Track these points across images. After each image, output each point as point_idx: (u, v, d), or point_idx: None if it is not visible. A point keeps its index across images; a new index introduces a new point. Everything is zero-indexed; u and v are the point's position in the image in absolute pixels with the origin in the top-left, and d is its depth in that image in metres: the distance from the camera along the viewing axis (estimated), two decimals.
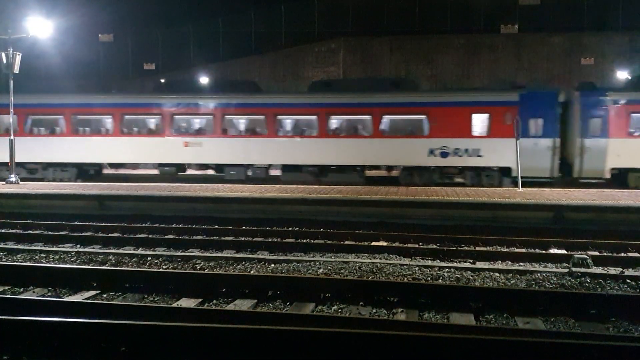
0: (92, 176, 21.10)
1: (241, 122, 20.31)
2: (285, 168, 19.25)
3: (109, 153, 20.29)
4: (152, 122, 20.65)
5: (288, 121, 19.73)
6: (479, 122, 18.32)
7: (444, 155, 18.22)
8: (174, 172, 20.07)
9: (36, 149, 20.24)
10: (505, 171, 17.85)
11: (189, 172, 22.46)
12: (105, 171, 22.78)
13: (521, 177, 15.73)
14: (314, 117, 19.22)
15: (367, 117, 18.94)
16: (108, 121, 20.40)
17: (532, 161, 17.19)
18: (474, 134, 18.14)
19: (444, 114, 18.42)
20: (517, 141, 15.54)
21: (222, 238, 10.73)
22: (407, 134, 18.79)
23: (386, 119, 18.89)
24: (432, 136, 18.30)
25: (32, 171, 20.45)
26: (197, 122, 20.39)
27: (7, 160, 19.79)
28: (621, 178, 17.72)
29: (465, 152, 18.10)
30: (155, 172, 21.93)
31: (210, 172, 21.52)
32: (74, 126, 20.46)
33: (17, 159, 19.17)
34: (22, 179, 19.24)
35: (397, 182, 18.67)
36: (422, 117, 18.58)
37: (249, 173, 19.49)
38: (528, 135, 17.36)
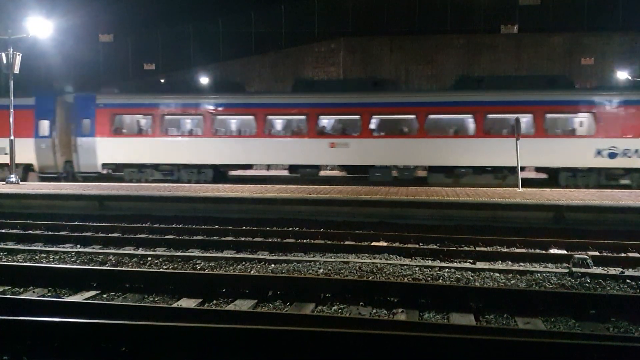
0: (220, 178, 20.55)
1: (389, 122, 19.75)
2: (433, 169, 18.64)
3: (251, 154, 19.80)
4: (295, 122, 20.21)
5: (439, 121, 19.07)
6: None
7: (612, 156, 17.69)
8: (315, 173, 19.58)
9: (172, 151, 19.94)
10: None
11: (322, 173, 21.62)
12: (232, 173, 22.22)
13: None
14: (469, 116, 18.58)
15: (529, 115, 18.22)
16: (250, 122, 19.96)
17: None
18: None
19: (613, 112, 17.87)
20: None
21: (222, 238, 10.73)
22: (569, 134, 18.22)
23: (549, 117, 18.33)
24: (599, 136, 17.74)
25: (167, 173, 20.05)
26: (344, 123, 19.88)
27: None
28: None
29: (635, 153, 17.60)
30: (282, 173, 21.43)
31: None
32: (214, 127, 19.99)
33: (152, 160, 19.39)
34: (155, 180, 19.34)
35: (554, 184, 17.92)
36: (588, 115, 18.05)
37: (395, 174, 18.96)
38: None
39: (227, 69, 35.51)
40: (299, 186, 16.77)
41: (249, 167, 22.02)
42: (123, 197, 14.21)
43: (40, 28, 18.12)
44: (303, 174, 19.51)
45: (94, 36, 35.08)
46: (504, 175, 18.19)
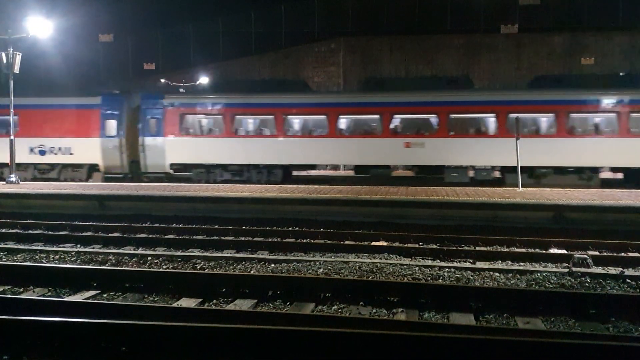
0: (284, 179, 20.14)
1: (467, 121, 19.38)
2: (506, 169, 18.04)
3: (322, 154, 19.52)
4: (367, 122, 19.83)
5: (519, 120, 18.99)
6: None
7: None
8: (387, 174, 19.33)
9: (241, 151, 19.67)
10: None
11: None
12: (295, 173, 21.81)
13: None
14: (551, 115, 18.19)
15: (613, 115, 17.82)
16: (322, 122, 19.68)
17: None
18: None
19: None
20: None
21: (222, 238, 10.73)
22: None
23: (633, 117, 17.84)
24: None
25: (235, 174, 19.77)
26: (420, 122, 19.36)
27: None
28: None
29: None
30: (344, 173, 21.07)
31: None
32: (285, 126, 19.70)
33: (220, 161, 19.16)
34: (224, 181, 19.02)
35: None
36: None
37: (471, 174, 18.59)
38: None
39: (227, 69, 35.54)
40: (298, 186, 16.77)
41: (312, 167, 21.54)
42: (123, 197, 14.21)
43: (40, 28, 18.12)
44: (375, 174, 19.15)
45: (94, 36, 35.08)
46: (588, 176, 17.77)
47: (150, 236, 11.03)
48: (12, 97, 17.90)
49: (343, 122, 19.63)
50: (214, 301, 6.67)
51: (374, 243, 10.20)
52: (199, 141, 20.21)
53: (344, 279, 7.19)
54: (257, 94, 20.25)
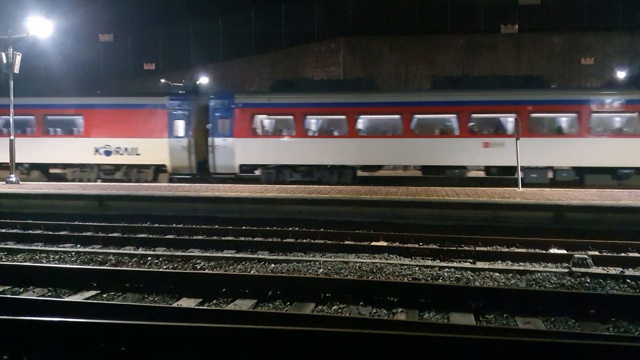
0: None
1: (548, 120, 18.92)
2: (591, 170, 17.64)
3: (396, 155, 19.12)
4: (443, 121, 19.46)
5: (603, 119, 18.22)
6: None
7: None
8: (463, 174, 18.87)
9: (312, 151, 19.32)
10: None
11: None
12: (360, 173, 21.22)
13: None
14: (634, 115, 17.63)
15: None
16: (396, 121, 19.23)
17: None
18: None
19: None
20: None
21: (222, 238, 10.73)
22: None
23: None
24: None
25: (305, 175, 19.41)
26: (499, 122, 18.94)
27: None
28: None
29: None
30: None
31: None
32: (357, 126, 19.34)
33: (291, 161, 18.94)
34: (293, 182, 18.71)
35: None
36: None
37: (550, 175, 18.13)
38: None
39: (227, 69, 35.55)
40: (298, 186, 16.76)
41: (380, 168, 20.96)
42: (123, 197, 14.20)
43: (40, 28, 18.10)
44: (450, 175, 18.67)
45: (94, 36, 35.12)
46: None
47: (150, 236, 11.03)
48: (12, 97, 17.88)
49: (418, 121, 19.15)
50: (214, 301, 6.67)
51: (374, 243, 10.20)
52: (269, 142, 19.83)
53: (344, 279, 7.19)
54: (329, 93, 19.94)
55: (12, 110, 17.98)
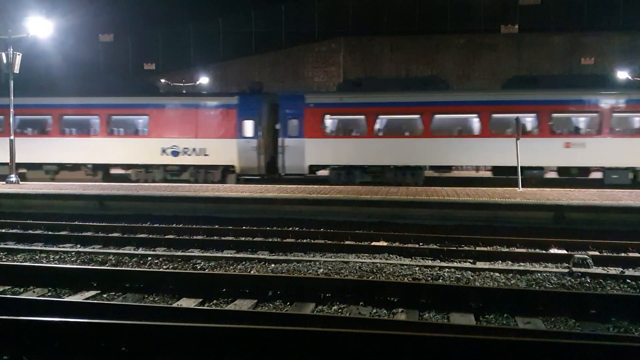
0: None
1: (631, 120, 18.44)
2: None
3: (471, 155, 18.78)
4: (522, 121, 18.85)
5: None
6: None
7: None
8: (541, 175, 18.59)
9: (384, 152, 18.97)
10: None
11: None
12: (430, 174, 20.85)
13: None
14: None
15: None
16: (471, 120, 19.02)
17: None
18: None
19: None
20: None
21: (222, 238, 10.72)
22: None
23: None
24: None
25: (374, 175, 19.06)
26: (581, 121, 18.48)
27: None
28: None
29: None
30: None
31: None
32: (432, 126, 18.84)
33: (361, 162, 18.73)
34: (362, 183, 18.43)
35: None
36: None
37: (631, 176, 17.73)
38: None
39: (227, 69, 35.55)
40: (298, 186, 16.76)
41: (450, 168, 20.55)
42: (123, 197, 14.20)
43: (40, 28, 18.10)
44: (529, 176, 18.21)
45: (94, 36, 35.14)
46: None
47: (150, 236, 11.02)
48: (12, 98, 17.87)
49: (495, 120, 18.82)
50: (214, 301, 6.67)
51: (374, 243, 10.20)
52: (339, 142, 19.61)
53: (344, 279, 7.19)
54: (404, 92, 19.65)
55: (12, 110, 17.95)
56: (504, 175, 18.76)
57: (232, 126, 19.93)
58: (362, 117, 19.44)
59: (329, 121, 19.85)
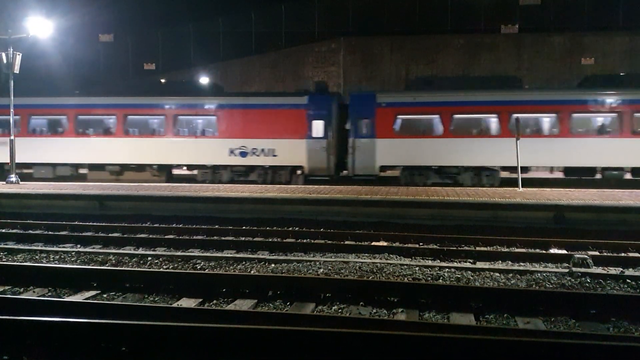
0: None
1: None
2: None
3: (552, 155, 18.39)
4: (604, 120, 18.79)
5: None
6: None
7: None
8: (621, 176, 18.17)
9: (458, 152, 18.64)
10: None
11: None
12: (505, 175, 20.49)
13: None
14: None
15: None
16: (551, 120, 18.73)
17: None
18: None
19: None
20: None
21: (222, 238, 10.73)
22: None
23: None
24: None
25: (448, 176, 18.84)
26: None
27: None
28: None
29: None
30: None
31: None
32: (509, 125, 18.32)
33: (434, 163, 18.44)
34: (434, 184, 18.13)
35: None
36: None
37: None
38: None
39: (227, 69, 35.52)
40: (298, 186, 16.76)
41: (525, 169, 19.80)
42: (123, 197, 14.21)
43: (40, 28, 18.11)
44: (608, 177, 17.96)
45: (94, 36, 35.08)
46: None
47: (151, 236, 11.03)
48: (12, 98, 17.86)
49: (576, 120, 18.56)
50: (214, 301, 6.67)
51: (374, 243, 10.20)
52: (413, 142, 19.24)
53: (344, 279, 7.19)
54: (480, 91, 19.26)
55: (12, 110, 17.94)
56: (576, 176, 18.48)
57: (302, 126, 19.71)
58: (437, 116, 19.09)
59: (402, 121, 19.52)
